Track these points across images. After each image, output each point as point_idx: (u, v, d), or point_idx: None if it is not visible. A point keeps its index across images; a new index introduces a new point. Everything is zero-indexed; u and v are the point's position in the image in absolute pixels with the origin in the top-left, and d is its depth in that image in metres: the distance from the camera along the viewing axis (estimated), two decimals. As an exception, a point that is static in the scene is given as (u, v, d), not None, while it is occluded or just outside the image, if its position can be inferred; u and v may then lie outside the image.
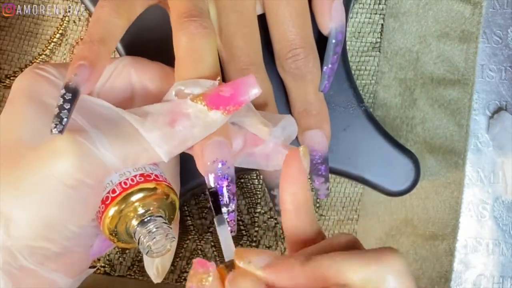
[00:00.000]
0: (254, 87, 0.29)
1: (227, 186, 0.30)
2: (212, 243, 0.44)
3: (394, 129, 0.43)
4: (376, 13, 0.44)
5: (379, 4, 0.43)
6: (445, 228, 0.43)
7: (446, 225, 0.43)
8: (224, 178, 0.30)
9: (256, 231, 0.44)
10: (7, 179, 0.29)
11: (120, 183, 0.30)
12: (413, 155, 0.39)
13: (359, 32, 0.43)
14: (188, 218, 0.44)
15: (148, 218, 0.30)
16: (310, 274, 0.26)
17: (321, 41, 0.36)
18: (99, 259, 0.44)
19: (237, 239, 0.44)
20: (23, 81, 0.31)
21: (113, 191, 0.30)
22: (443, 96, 0.43)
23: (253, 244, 0.44)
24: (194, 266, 0.26)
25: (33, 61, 0.44)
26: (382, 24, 0.44)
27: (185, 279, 0.44)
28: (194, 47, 0.30)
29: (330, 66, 0.35)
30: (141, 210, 0.30)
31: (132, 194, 0.30)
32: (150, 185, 0.30)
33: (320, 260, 0.26)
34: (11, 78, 0.44)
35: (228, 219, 0.30)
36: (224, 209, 0.30)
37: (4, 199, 0.28)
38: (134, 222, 0.30)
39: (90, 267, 0.33)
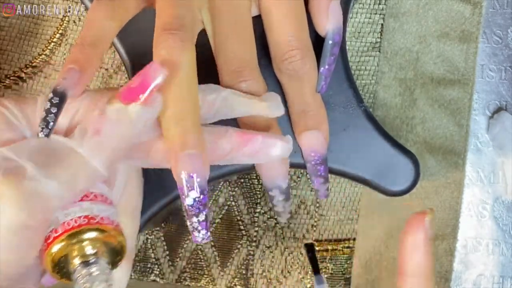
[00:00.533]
0: (160, 70, 0.29)
1: (197, 197, 0.30)
2: (212, 243, 0.44)
3: (394, 129, 0.43)
4: (376, 13, 0.43)
5: (379, 4, 0.43)
6: (445, 228, 0.43)
7: (446, 225, 0.43)
8: (193, 189, 0.30)
9: (256, 231, 0.44)
10: None
11: (63, 223, 0.29)
12: (413, 155, 0.39)
13: (359, 32, 0.43)
14: (188, 218, 0.44)
15: (91, 260, 0.29)
16: None
17: (318, 41, 0.36)
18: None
19: (237, 239, 0.44)
20: None
21: (56, 230, 0.29)
22: (443, 96, 0.43)
23: (253, 244, 0.44)
24: None
25: (33, 61, 0.44)
26: (382, 24, 0.44)
27: (185, 279, 0.44)
28: (173, 65, 0.30)
29: (327, 67, 0.35)
30: (83, 251, 0.29)
31: (74, 235, 0.29)
32: (93, 227, 0.29)
33: None
34: (11, 78, 0.44)
35: (199, 228, 0.31)
36: (194, 219, 0.31)
37: None
38: (76, 261, 0.29)
39: None
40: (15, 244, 0.28)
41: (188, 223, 0.31)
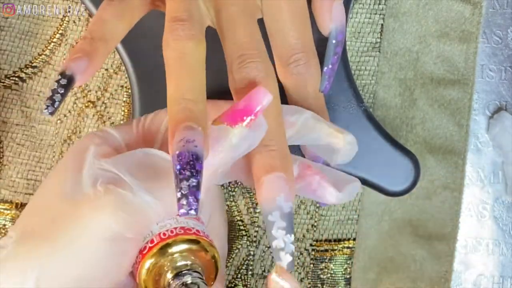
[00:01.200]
0: (266, 95, 0.29)
1: (189, 161, 0.27)
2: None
3: (394, 129, 0.43)
4: (376, 13, 0.44)
5: (379, 4, 0.43)
6: (445, 228, 0.43)
7: (446, 225, 0.43)
8: (188, 153, 0.27)
9: (256, 231, 0.44)
10: (45, 232, 0.28)
11: (159, 233, 0.29)
12: (413, 155, 0.39)
13: (359, 32, 0.43)
14: (188, 218, 0.44)
15: (185, 271, 0.28)
16: None
17: (321, 41, 0.36)
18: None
19: (237, 239, 0.44)
20: (81, 140, 0.32)
21: (151, 241, 0.29)
22: (443, 96, 0.43)
23: (254, 244, 0.44)
24: None
25: (33, 61, 0.44)
26: (382, 24, 0.44)
27: (185, 279, 0.44)
28: (181, 50, 0.30)
29: (330, 66, 0.35)
30: (177, 263, 0.29)
31: (170, 245, 0.29)
32: (190, 238, 0.29)
33: None
34: (11, 78, 0.44)
35: (188, 194, 0.27)
36: (184, 183, 0.27)
37: (39, 253, 0.28)
38: (169, 275, 0.29)
39: None
40: (110, 254, 0.28)
41: (177, 191, 0.27)
